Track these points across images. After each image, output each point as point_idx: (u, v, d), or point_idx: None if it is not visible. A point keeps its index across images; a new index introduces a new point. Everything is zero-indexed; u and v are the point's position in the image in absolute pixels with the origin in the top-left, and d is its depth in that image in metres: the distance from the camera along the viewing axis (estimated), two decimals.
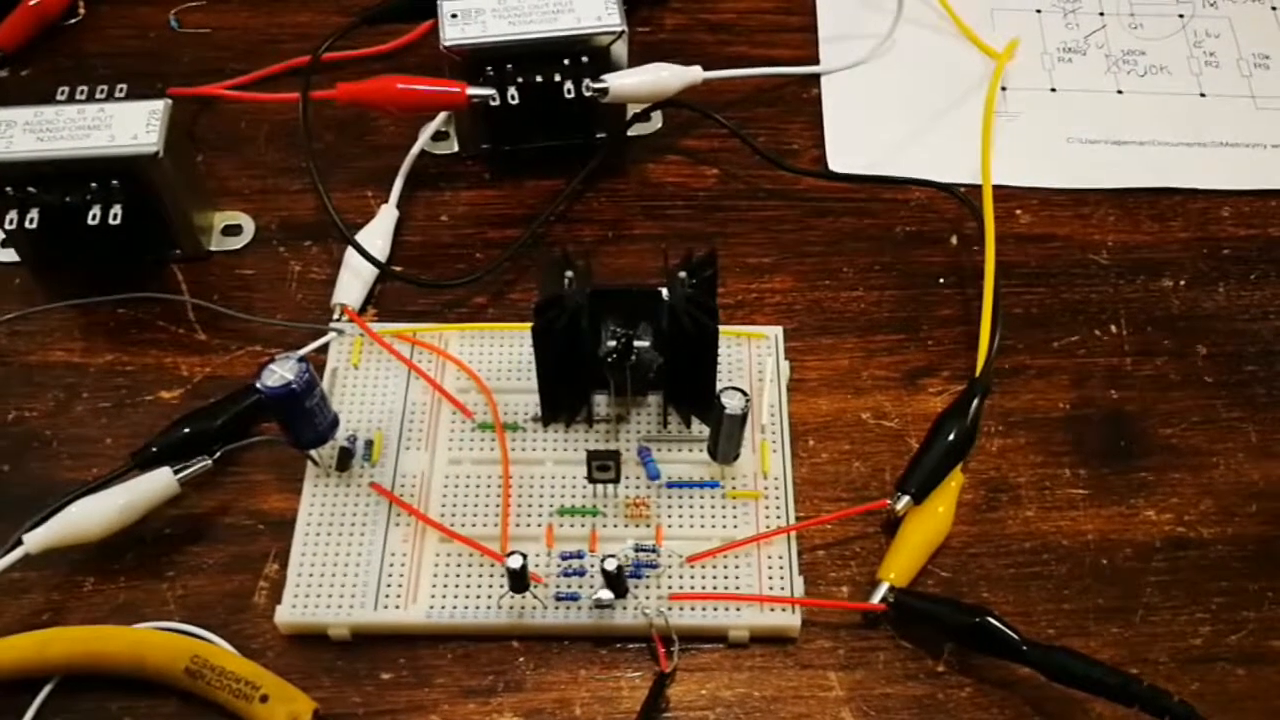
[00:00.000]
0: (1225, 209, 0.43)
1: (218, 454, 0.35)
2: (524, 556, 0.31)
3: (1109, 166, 0.44)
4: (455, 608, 0.33)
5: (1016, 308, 0.40)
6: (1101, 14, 0.49)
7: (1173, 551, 0.35)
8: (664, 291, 0.34)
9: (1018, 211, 0.43)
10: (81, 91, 0.40)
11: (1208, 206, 0.43)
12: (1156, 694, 0.30)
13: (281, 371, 0.33)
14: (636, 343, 0.34)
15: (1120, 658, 0.33)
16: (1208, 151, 0.45)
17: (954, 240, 0.42)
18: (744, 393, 0.33)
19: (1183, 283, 0.41)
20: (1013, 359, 0.39)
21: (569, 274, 0.34)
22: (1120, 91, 0.47)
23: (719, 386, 0.34)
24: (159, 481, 0.34)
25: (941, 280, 0.41)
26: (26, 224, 0.38)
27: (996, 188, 0.43)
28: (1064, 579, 0.35)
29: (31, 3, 0.47)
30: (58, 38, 0.48)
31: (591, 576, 0.34)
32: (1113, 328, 0.40)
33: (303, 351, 0.38)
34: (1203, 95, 0.47)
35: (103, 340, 0.39)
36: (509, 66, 0.40)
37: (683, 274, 0.34)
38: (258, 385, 0.33)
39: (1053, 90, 0.47)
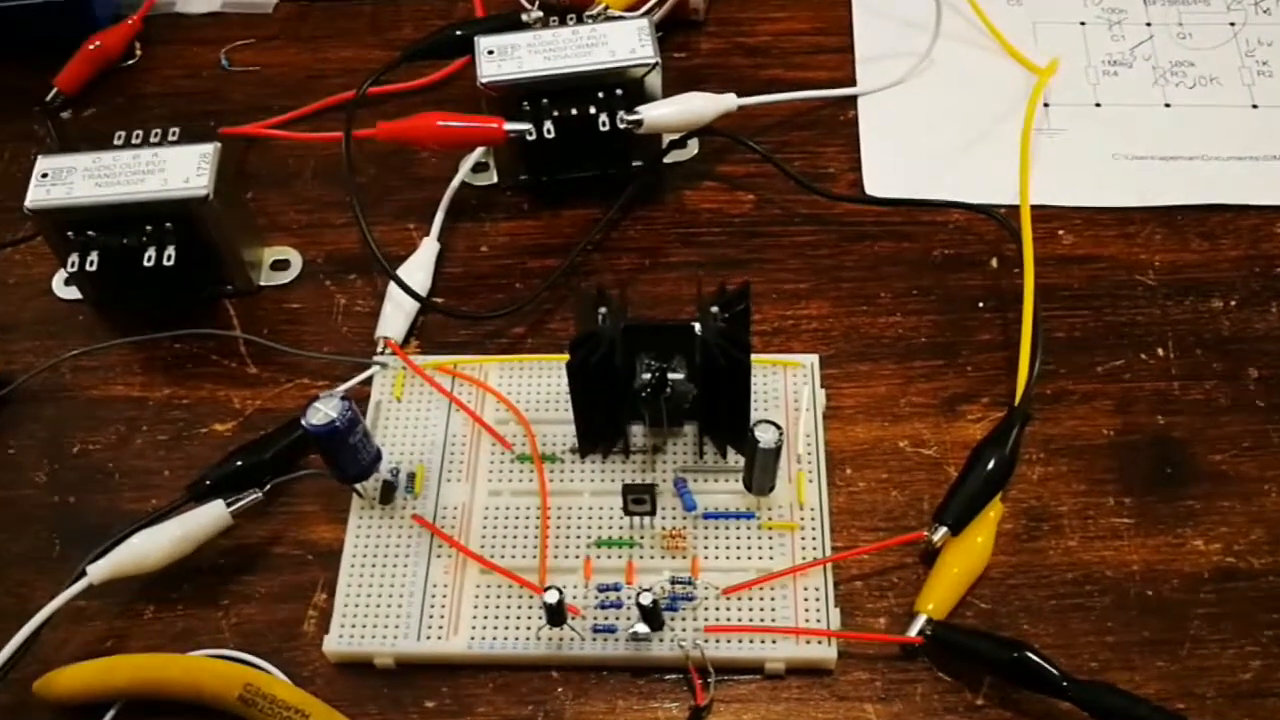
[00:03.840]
0: (1278, 225, 0.42)
1: (268, 486, 0.36)
2: (560, 591, 0.32)
3: (1156, 183, 0.43)
4: (495, 638, 0.34)
5: (1059, 331, 0.40)
6: (1148, 24, 0.48)
7: (1222, 582, 0.34)
8: (696, 326, 0.34)
9: (1060, 232, 0.42)
10: (137, 135, 0.41)
11: (1259, 223, 0.42)
12: None
13: (325, 410, 0.33)
14: (671, 375, 0.34)
15: (1166, 693, 0.32)
16: (1260, 165, 0.43)
17: (994, 263, 0.41)
18: (777, 426, 0.33)
19: (1233, 303, 0.40)
20: (1055, 384, 0.38)
21: (602, 309, 0.34)
22: (1168, 105, 0.45)
23: (753, 419, 0.34)
24: (213, 514, 0.35)
25: (981, 304, 0.40)
26: (87, 266, 0.39)
27: (1038, 208, 0.42)
28: (1108, 611, 0.34)
29: (92, 47, 0.48)
30: (116, 79, 0.49)
31: (628, 609, 0.34)
32: (1159, 351, 0.39)
33: (346, 386, 0.38)
34: (1255, 107, 0.45)
35: (160, 375, 0.41)
36: (545, 101, 0.41)
37: (715, 308, 0.34)
38: (303, 423, 0.33)
39: (1097, 105, 0.46)
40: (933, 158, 0.44)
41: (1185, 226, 0.42)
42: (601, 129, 0.41)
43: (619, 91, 0.41)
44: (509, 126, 0.40)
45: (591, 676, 0.34)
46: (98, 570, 0.34)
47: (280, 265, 0.43)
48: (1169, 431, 0.37)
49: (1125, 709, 0.30)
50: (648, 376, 0.34)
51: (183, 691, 0.33)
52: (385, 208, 0.44)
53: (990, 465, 0.35)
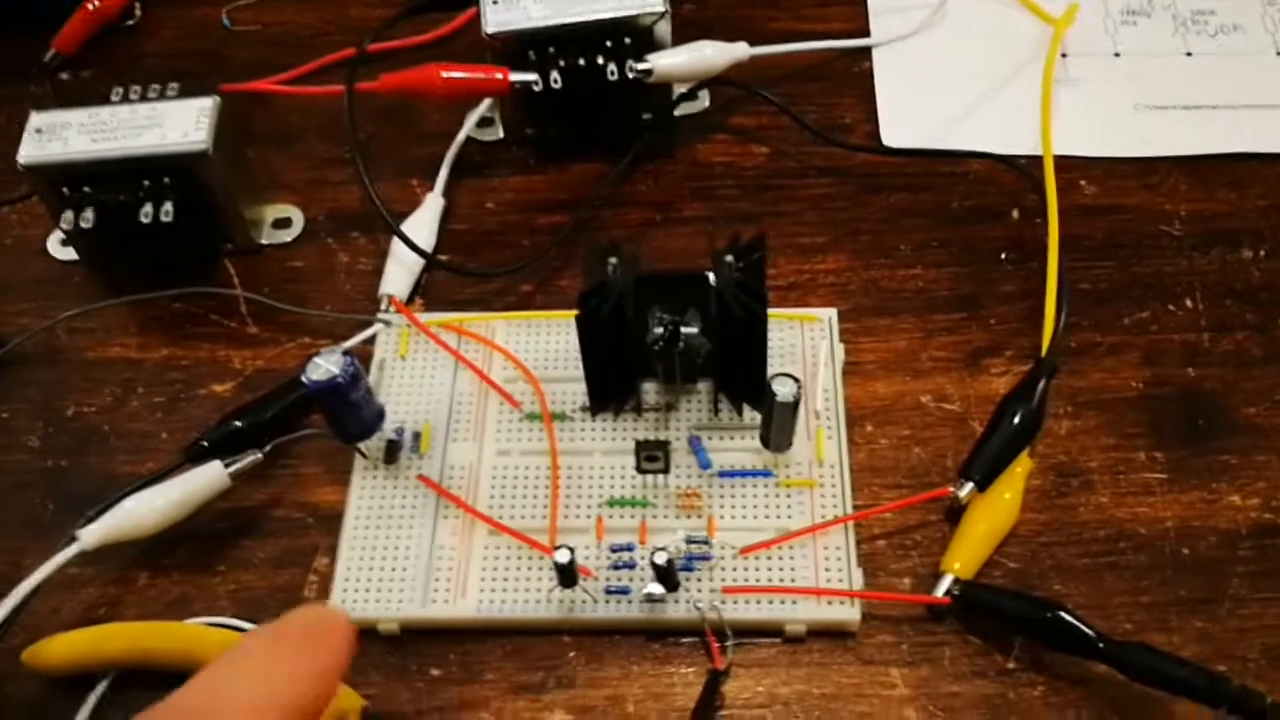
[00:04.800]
0: None
1: (268, 447, 0.33)
2: (571, 551, 0.29)
3: (1179, 133, 0.40)
4: (505, 602, 0.31)
5: (1083, 283, 0.36)
6: None
7: (1260, 539, 0.31)
8: (711, 276, 0.31)
9: (1082, 182, 0.39)
10: (135, 91, 0.38)
11: None
12: (1248, 695, 0.27)
13: (326, 365, 0.30)
14: (684, 329, 0.31)
15: (1206, 654, 0.29)
16: None
17: (1015, 214, 0.38)
18: (795, 379, 0.30)
19: (1263, 253, 0.37)
20: (1080, 337, 0.35)
21: (613, 260, 0.31)
22: (1189, 54, 0.42)
23: (770, 373, 0.31)
24: (210, 475, 0.33)
25: (1003, 256, 0.37)
26: (82, 223, 0.36)
27: (1059, 158, 0.39)
28: (1142, 569, 0.31)
29: (91, 6, 0.45)
30: (116, 39, 0.46)
31: (642, 569, 0.31)
32: (1187, 302, 0.36)
33: (349, 344, 0.35)
34: (1279, 54, 0.42)
35: (158, 335, 0.38)
36: (551, 51, 0.37)
37: (729, 258, 0.31)
38: (303, 379, 0.30)
39: (1116, 55, 0.42)
40: (950, 108, 0.41)
41: (1211, 176, 0.39)
42: (610, 79, 0.37)
43: (627, 40, 0.37)
44: (514, 77, 0.37)
45: (604, 640, 0.31)
46: (89, 535, 0.32)
47: (282, 223, 0.40)
48: (1200, 384, 0.34)
49: (1164, 670, 0.28)
50: (660, 330, 0.31)
51: (178, 661, 0.30)
52: (389, 164, 0.41)
53: (1017, 419, 0.32)
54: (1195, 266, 0.37)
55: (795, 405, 0.30)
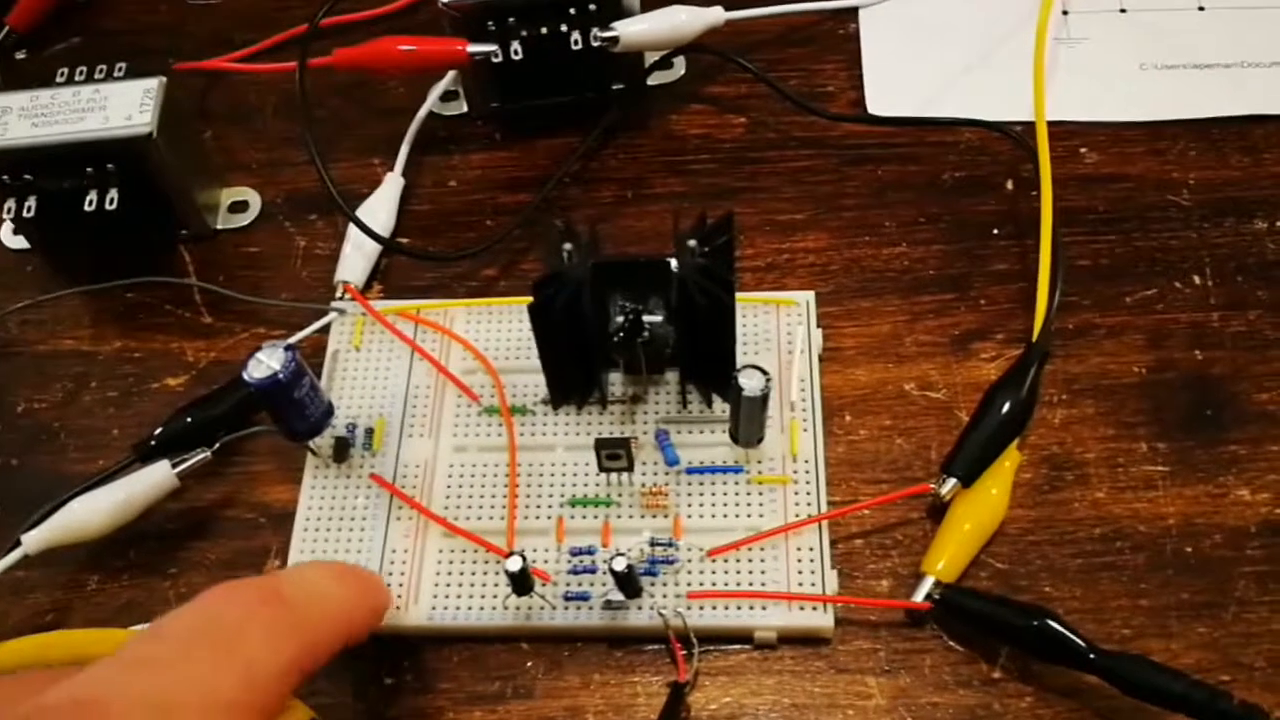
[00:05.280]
0: None
1: (218, 444, 0.32)
2: (523, 558, 0.27)
3: (1189, 94, 0.37)
4: (459, 608, 0.29)
5: (1082, 259, 0.34)
6: None
7: (1271, 537, 0.28)
8: (673, 262, 0.28)
9: (1083, 150, 0.36)
10: (80, 73, 0.35)
11: None
12: (1252, 713, 0.24)
13: (268, 362, 0.28)
14: (647, 318, 0.29)
15: (1208, 663, 0.27)
16: None
17: (1009, 185, 0.35)
18: (764, 371, 0.27)
19: (1278, 224, 0.34)
20: (1079, 317, 0.32)
21: (567, 246, 0.29)
22: (1201, 8, 0.39)
23: (739, 363, 0.28)
24: (157, 476, 0.31)
25: (996, 231, 0.34)
26: (25, 212, 0.34)
27: (1059, 124, 0.36)
28: (1141, 570, 0.28)
29: None
30: (73, 17, 0.43)
31: (603, 574, 0.29)
32: (1196, 278, 0.33)
33: (299, 336, 0.33)
34: None
35: (111, 326, 0.36)
36: (511, 20, 0.35)
37: (692, 242, 0.28)
38: (244, 376, 0.28)
39: (1122, 11, 0.39)
40: (941, 73, 0.38)
41: (1223, 141, 0.36)
42: (575, 48, 0.35)
43: (592, 7, 0.35)
44: (473, 48, 0.35)
45: (565, 648, 0.29)
46: (33, 540, 0.30)
47: (239, 207, 0.38)
48: (1208, 368, 0.31)
49: (1159, 683, 0.25)
50: (621, 320, 0.29)
51: None
52: (348, 143, 0.38)
53: (1005, 409, 0.29)
54: (1205, 240, 0.34)
55: (764, 400, 0.28)
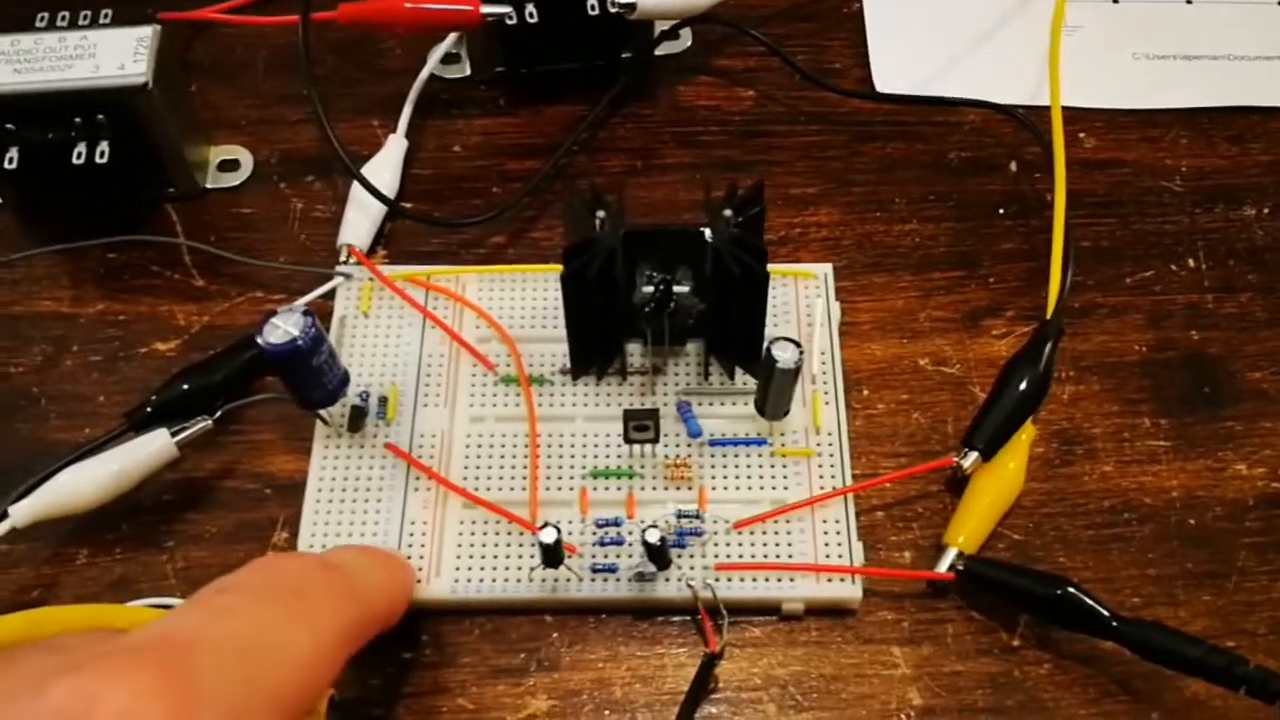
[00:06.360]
0: None
1: (219, 412, 0.30)
2: (558, 529, 0.26)
3: (1180, 84, 0.37)
4: (482, 580, 0.28)
5: (1084, 240, 0.34)
6: None
7: (1268, 509, 0.29)
8: (706, 232, 0.27)
9: (1080, 135, 0.36)
10: (63, 17, 0.33)
11: None
12: (1268, 678, 0.25)
13: (285, 326, 0.26)
14: (675, 288, 0.28)
15: (1215, 629, 0.27)
16: None
17: (1013, 167, 0.35)
18: (796, 343, 0.27)
19: (1266, 211, 0.35)
20: (1083, 297, 0.33)
21: (600, 213, 0.28)
22: (1190, 1, 0.39)
23: (767, 335, 0.28)
24: (155, 445, 0.29)
25: (1002, 211, 0.34)
26: (6, 164, 0.32)
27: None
28: (1148, 541, 0.29)
29: None
30: None
31: (630, 545, 0.28)
32: (1190, 261, 0.34)
33: (307, 299, 0.32)
34: None
35: (93, 288, 0.33)
36: None
37: (728, 211, 0.27)
38: (259, 342, 0.26)
39: (1115, 1, 0.39)
40: (945, 53, 0.38)
41: (1211, 130, 0.36)
42: (590, 13, 0.33)
43: None
44: (486, 9, 0.33)
45: (590, 620, 0.28)
46: (21, 512, 0.28)
47: (229, 165, 0.35)
48: (1204, 347, 0.32)
49: (1180, 650, 0.26)
50: (651, 289, 0.28)
51: None
52: (346, 103, 0.36)
53: (1024, 384, 0.29)
54: (1197, 225, 0.34)
55: (797, 372, 0.27)
